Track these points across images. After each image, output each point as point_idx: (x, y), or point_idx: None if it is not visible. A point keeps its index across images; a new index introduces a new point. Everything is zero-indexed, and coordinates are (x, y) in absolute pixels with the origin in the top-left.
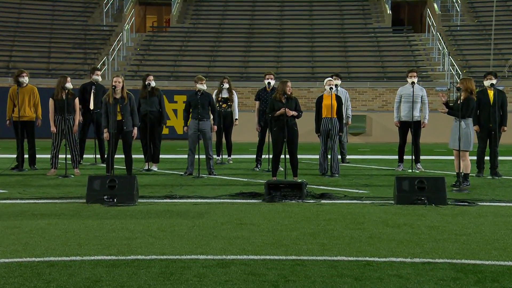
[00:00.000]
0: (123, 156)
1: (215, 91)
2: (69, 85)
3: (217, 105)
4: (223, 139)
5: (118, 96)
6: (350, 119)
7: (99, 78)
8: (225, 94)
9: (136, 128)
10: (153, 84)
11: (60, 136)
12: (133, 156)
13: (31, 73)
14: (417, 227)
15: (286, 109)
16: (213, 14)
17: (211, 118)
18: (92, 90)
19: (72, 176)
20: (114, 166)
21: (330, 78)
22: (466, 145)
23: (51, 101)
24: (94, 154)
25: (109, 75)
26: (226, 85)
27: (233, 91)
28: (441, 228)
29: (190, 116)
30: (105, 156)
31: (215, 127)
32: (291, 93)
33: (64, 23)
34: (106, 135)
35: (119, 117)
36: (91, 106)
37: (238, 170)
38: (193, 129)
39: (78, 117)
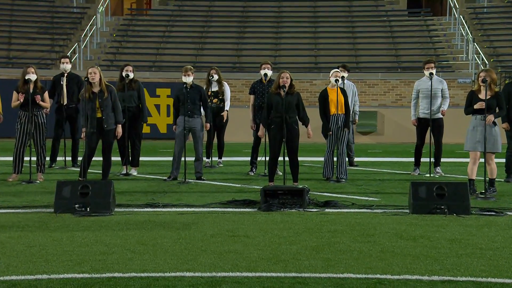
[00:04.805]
0: (100, 158)
1: (204, 85)
2: (30, 76)
3: (208, 100)
4: (215, 139)
5: (96, 90)
6: (357, 117)
7: (68, 66)
8: (214, 87)
9: (119, 126)
10: (131, 75)
11: (25, 135)
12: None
13: None
14: (435, 240)
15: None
16: None
17: (202, 115)
18: (61, 82)
19: (38, 182)
20: (88, 170)
21: (337, 69)
22: (497, 146)
23: (14, 94)
24: (64, 156)
25: (81, 65)
26: (215, 77)
27: (224, 82)
28: (464, 241)
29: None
30: (77, 158)
31: (208, 125)
32: (293, 86)
33: (27, 4)
34: (83, 134)
35: (98, 114)
36: (64, 101)
37: (230, 174)
38: (181, 127)
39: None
